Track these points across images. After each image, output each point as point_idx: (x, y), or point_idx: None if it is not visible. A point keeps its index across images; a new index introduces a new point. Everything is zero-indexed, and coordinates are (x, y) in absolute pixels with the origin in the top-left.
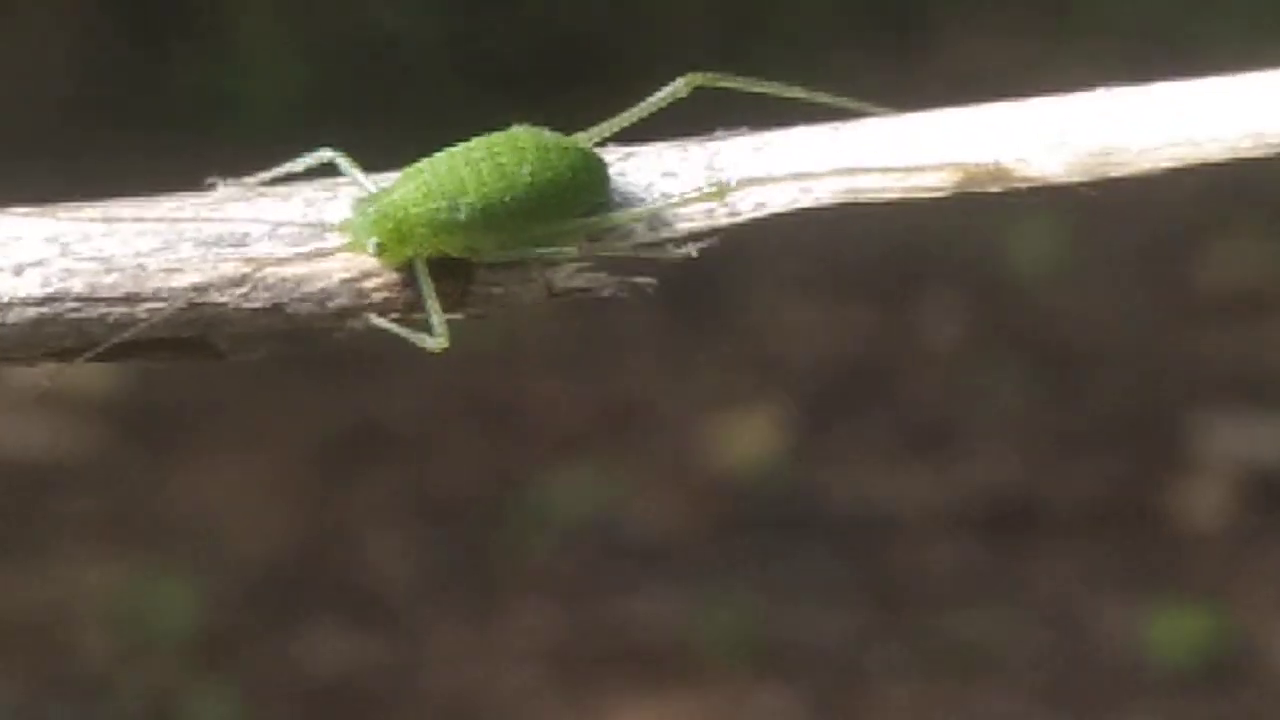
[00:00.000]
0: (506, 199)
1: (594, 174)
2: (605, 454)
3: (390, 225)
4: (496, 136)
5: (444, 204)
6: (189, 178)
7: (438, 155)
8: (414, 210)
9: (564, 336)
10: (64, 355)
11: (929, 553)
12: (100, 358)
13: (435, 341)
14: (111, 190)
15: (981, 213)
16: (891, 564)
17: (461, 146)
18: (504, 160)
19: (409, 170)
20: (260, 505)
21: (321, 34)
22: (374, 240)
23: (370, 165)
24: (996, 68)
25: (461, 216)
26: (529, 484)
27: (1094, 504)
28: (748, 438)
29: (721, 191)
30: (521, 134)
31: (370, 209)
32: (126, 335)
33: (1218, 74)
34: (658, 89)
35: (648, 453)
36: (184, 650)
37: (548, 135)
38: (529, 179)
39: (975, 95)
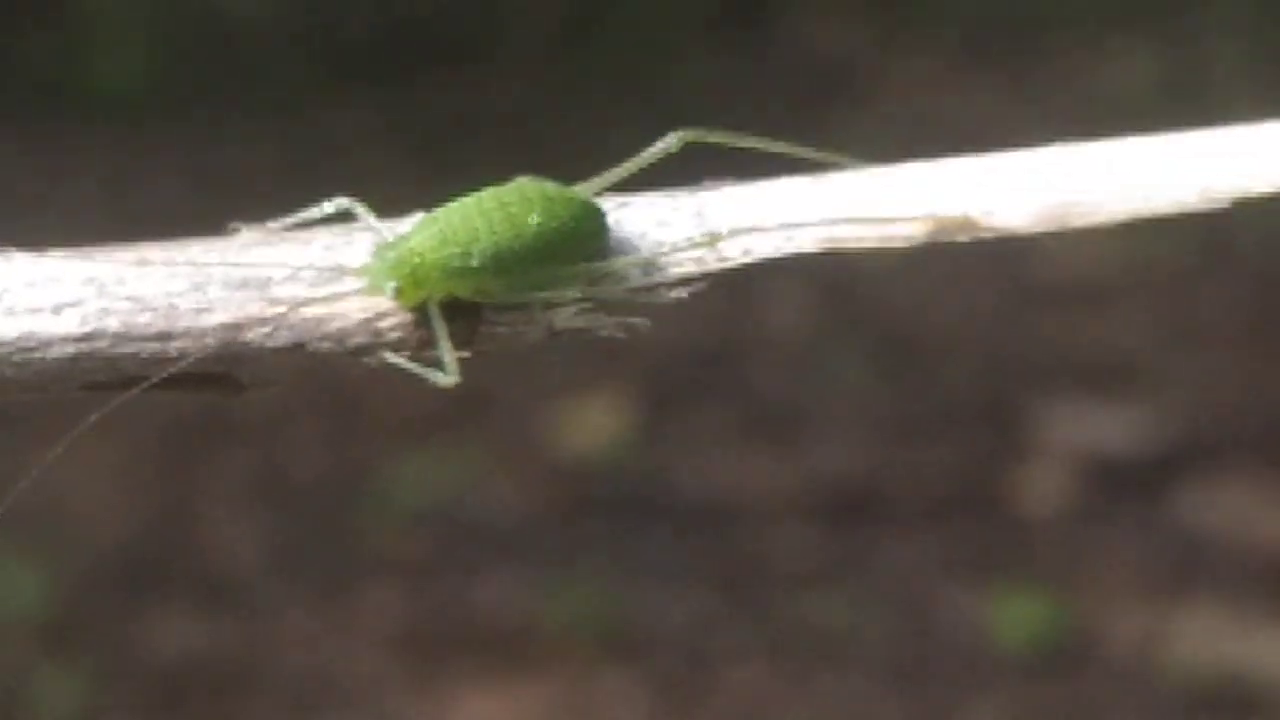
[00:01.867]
0: (515, 246)
1: (594, 223)
2: (452, 439)
3: (408, 270)
4: (506, 188)
5: (458, 250)
6: (35, 163)
7: (451, 205)
8: (430, 256)
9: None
10: (97, 388)
11: (774, 538)
12: (129, 392)
13: (447, 379)
14: None
15: None
16: (737, 549)
17: (473, 197)
18: (514, 210)
19: (425, 219)
20: (108, 489)
21: (167, 17)
22: (393, 284)
23: (218, 147)
24: (837, 55)
25: (474, 262)
26: (376, 469)
27: (937, 490)
28: (594, 423)
29: (712, 240)
30: (528, 186)
31: (389, 254)
32: (165, 373)
33: (1059, 57)
34: (507, 73)
35: (494, 438)
36: (33, 633)
37: (551, 187)
38: (536, 228)
39: (817, 82)
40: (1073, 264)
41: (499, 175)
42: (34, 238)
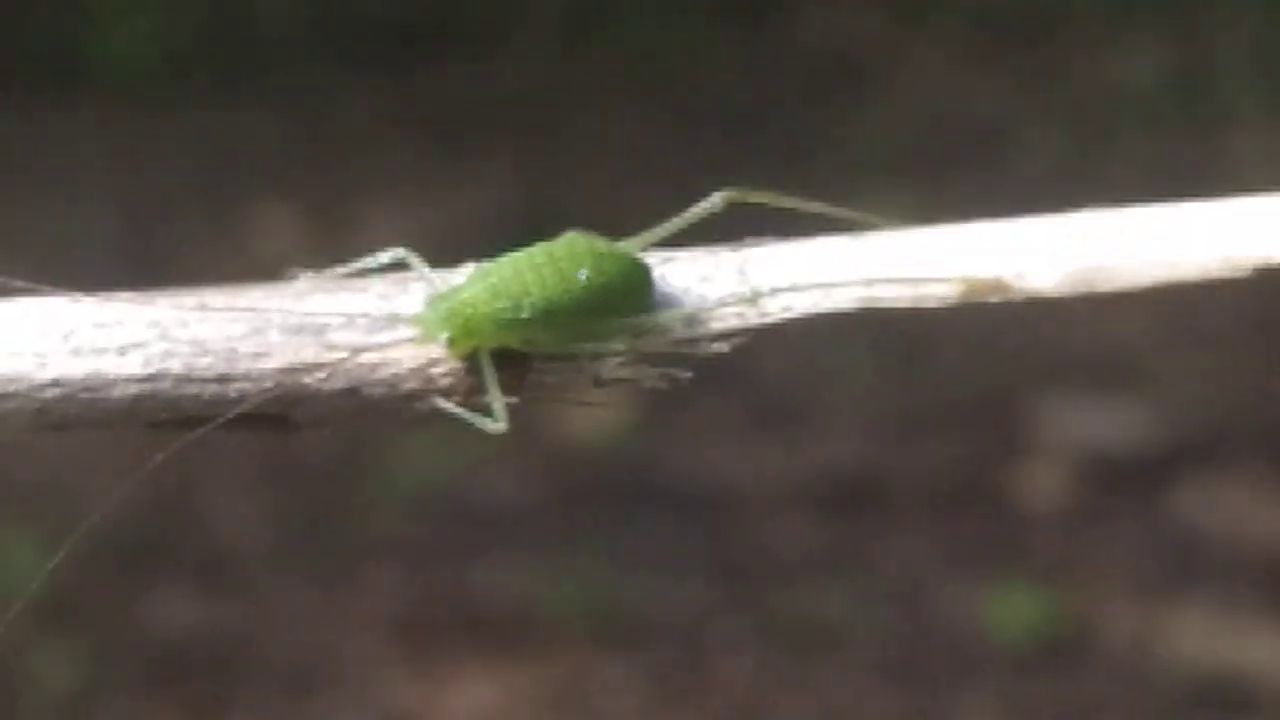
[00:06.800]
0: (564, 300)
1: (640, 279)
2: (453, 423)
3: (460, 321)
4: (556, 243)
5: (509, 303)
6: (49, 137)
7: (503, 259)
8: (482, 308)
9: None
10: (159, 426)
11: (773, 528)
12: (187, 431)
13: (496, 425)
14: None
15: None
16: (736, 539)
17: (525, 252)
18: (563, 265)
19: (477, 271)
20: (109, 467)
21: None
22: (445, 334)
23: (227, 127)
24: (847, 48)
25: (524, 315)
26: (378, 452)
27: (937, 484)
28: (594, 410)
29: (754, 297)
30: (578, 241)
31: (442, 306)
32: (228, 415)
33: (1067, 52)
34: (520, 60)
35: None
36: (30, 609)
37: (600, 244)
38: (585, 283)
39: (830, 75)
40: None
41: (509, 162)
42: (37, 210)
